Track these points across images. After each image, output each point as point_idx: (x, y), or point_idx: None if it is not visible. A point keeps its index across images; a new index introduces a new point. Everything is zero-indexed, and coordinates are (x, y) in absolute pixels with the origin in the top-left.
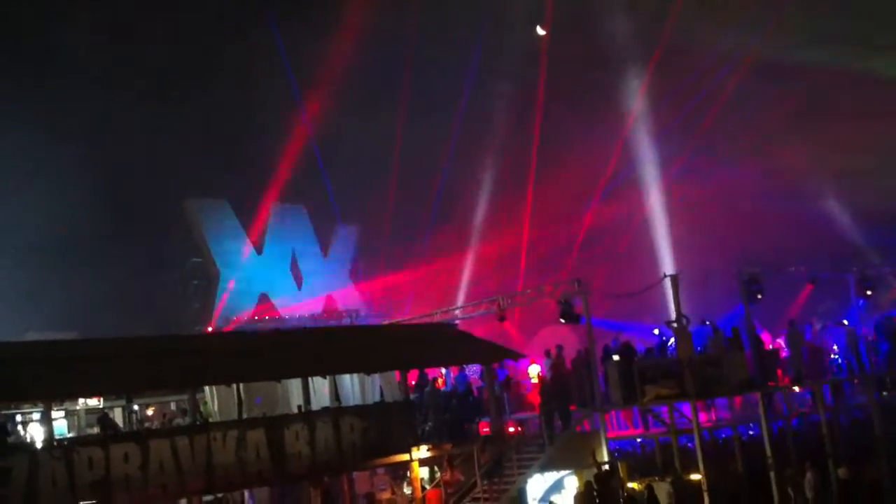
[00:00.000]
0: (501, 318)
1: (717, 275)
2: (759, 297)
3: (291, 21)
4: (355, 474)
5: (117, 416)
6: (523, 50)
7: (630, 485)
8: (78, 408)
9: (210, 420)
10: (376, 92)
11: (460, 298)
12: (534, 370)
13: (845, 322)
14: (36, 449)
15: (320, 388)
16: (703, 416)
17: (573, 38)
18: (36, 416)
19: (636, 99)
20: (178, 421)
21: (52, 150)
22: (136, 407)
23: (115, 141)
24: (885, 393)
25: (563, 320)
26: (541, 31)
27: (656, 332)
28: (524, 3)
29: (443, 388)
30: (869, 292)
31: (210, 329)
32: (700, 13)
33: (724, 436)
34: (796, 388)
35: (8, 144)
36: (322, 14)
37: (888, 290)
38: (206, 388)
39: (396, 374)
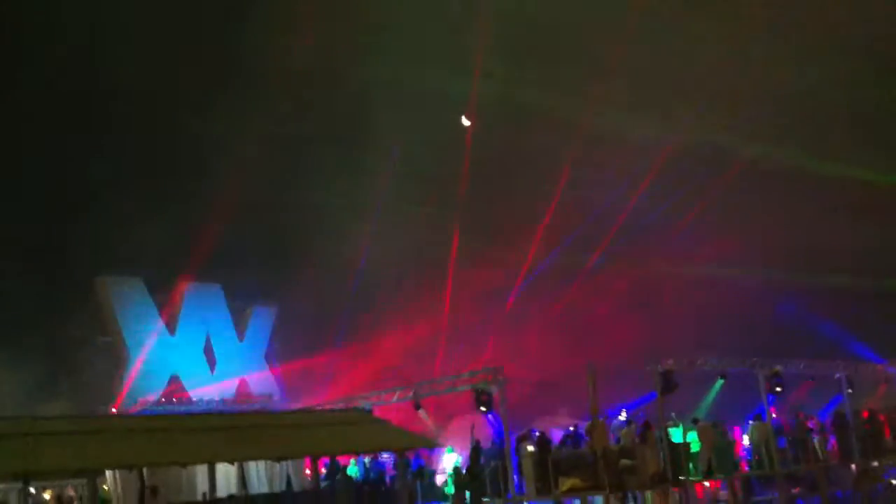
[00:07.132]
0: (417, 407)
1: (628, 367)
2: (675, 389)
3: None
4: None
5: (12, 500)
6: (447, 139)
7: None
8: None
9: None
10: (298, 165)
11: (377, 384)
12: (449, 459)
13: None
14: None
15: (227, 474)
16: None
17: (498, 130)
18: None
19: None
20: None
21: None
22: (32, 490)
23: (21, 210)
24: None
25: (482, 409)
26: (466, 122)
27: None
28: (449, 93)
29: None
30: (779, 388)
31: (115, 410)
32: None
33: None
34: (707, 484)
35: None
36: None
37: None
38: (108, 472)
39: (306, 461)
